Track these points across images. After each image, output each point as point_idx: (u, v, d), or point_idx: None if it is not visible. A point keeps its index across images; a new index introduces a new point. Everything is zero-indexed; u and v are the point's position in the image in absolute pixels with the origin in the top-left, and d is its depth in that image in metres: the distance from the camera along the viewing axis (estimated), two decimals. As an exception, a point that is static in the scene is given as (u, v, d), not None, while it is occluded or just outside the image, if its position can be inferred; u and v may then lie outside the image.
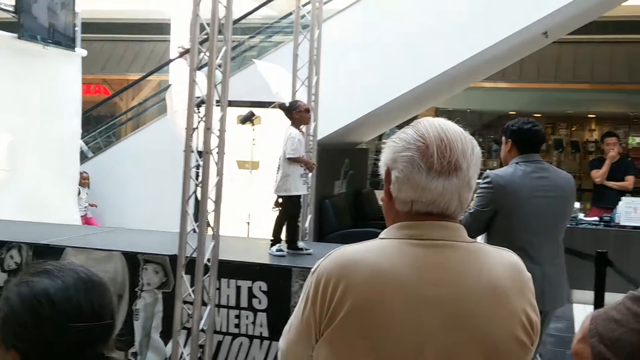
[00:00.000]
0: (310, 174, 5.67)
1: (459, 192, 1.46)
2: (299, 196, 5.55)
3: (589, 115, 16.25)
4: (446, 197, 1.45)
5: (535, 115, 15.24)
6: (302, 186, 5.46)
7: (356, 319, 1.40)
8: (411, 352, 1.39)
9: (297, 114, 5.50)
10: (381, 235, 1.53)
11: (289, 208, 5.48)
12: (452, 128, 1.51)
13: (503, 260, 1.50)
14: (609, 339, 1.43)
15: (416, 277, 1.41)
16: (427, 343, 1.39)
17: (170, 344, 4.94)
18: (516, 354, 1.43)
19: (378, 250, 1.46)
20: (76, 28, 8.58)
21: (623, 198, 7.76)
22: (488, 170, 3.79)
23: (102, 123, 12.73)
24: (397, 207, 1.50)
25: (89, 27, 10.46)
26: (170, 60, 11.05)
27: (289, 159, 5.34)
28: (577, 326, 6.67)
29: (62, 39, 8.33)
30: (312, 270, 1.50)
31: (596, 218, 7.77)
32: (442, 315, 1.40)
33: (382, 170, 1.56)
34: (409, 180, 1.46)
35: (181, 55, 10.64)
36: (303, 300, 1.51)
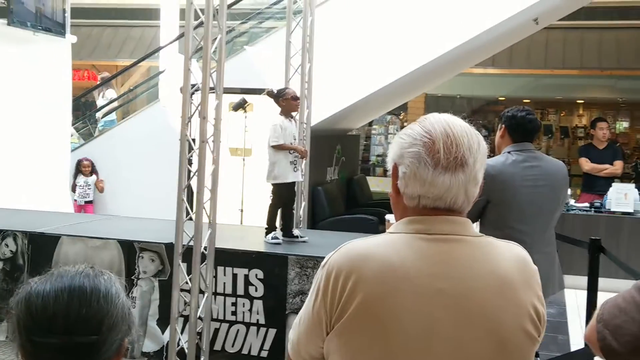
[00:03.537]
0: (303, 161, 5.70)
1: (465, 187, 1.48)
2: (290, 184, 5.55)
3: (578, 101, 16.30)
4: (452, 192, 1.47)
5: (524, 101, 15.28)
6: (291, 173, 5.46)
7: (366, 312, 1.42)
8: (421, 346, 1.41)
9: (284, 101, 5.51)
10: (390, 230, 1.55)
11: (278, 196, 5.51)
12: (458, 123, 1.53)
13: (510, 254, 1.52)
14: (612, 325, 1.49)
15: (425, 271, 1.43)
16: (436, 336, 1.41)
17: (167, 332, 4.97)
18: (524, 346, 1.46)
19: (387, 244, 1.49)
20: (66, 14, 8.52)
21: (613, 184, 7.83)
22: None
23: (92, 109, 12.68)
24: (405, 202, 1.53)
25: (78, 12, 10.37)
26: (160, 48, 10.99)
27: (273, 146, 5.39)
28: (570, 311, 6.75)
29: (52, 25, 8.27)
30: (323, 263, 1.52)
31: (586, 204, 7.83)
32: (451, 309, 1.42)
33: (389, 166, 1.58)
34: (416, 176, 1.48)
35: (101, 84, 10.96)
36: (314, 294, 1.53)
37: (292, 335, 1.64)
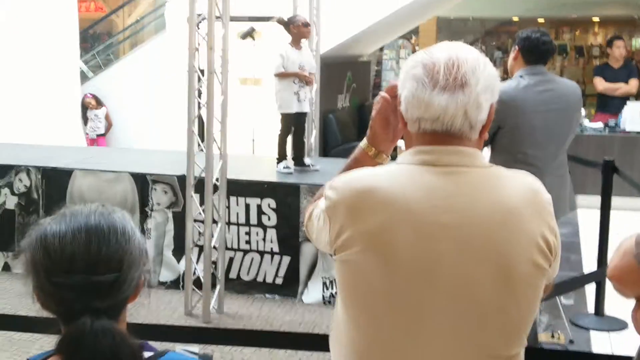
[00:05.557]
0: (309, 89, 5.65)
1: (464, 108, 1.42)
2: (298, 114, 5.54)
3: (594, 19, 15.93)
4: (450, 112, 1.41)
5: (539, 20, 14.96)
6: (295, 103, 5.44)
7: (368, 245, 1.41)
8: (423, 278, 1.40)
9: (295, 28, 5.46)
10: (397, 160, 1.52)
11: (285, 125, 5.52)
12: (464, 47, 1.48)
13: (519, 184, 1.48)
14: None
15: (427, 204, 1.41)
16: (439, 269, 1.40)
17: (182, 261, 5.05)
18: (532, 276, 1.44)
19: (391, 176, 1.46)
20: (68, -56, 8.37)
21: (628, 102, 7.71)
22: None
23: (99, 42, 12.57)
24: (408, 128, 1.50)
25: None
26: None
27: (275, 75, 5.38)
28: (582, 231, 6.72)
29: (55, -44, 8.13)
30: (329, 185, 1.50)
31: (601, 124, 7.74)
32: (454, 241, 1.40)
33: (399, 92, 1.54)
34: (414, 98, 1.44)
35: None
36: (320, 212, 1.51)
37: (308, 215, 1.61)
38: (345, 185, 1.47)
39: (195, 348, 1.50)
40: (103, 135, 9.58)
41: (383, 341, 1.44)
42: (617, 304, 1.54)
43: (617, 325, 4.39)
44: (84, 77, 9.76)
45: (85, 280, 1.21)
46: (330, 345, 1.59)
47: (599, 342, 4.29)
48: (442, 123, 1.43)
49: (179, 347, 1.39)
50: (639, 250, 1.40)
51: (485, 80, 1.44)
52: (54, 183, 5.54)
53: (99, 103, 9.54)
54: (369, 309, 1.45)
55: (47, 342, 1.25)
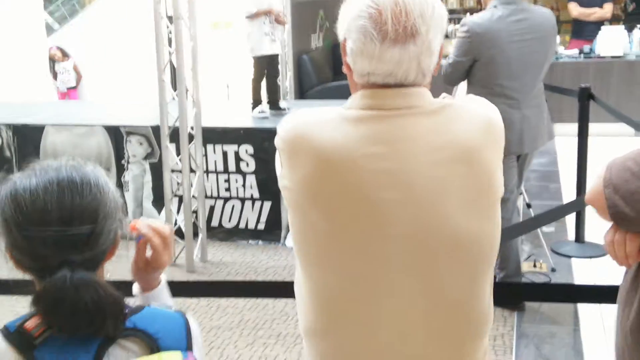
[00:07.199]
0: (281, 30, 5.57)
1: (418, 59, 1.35)
2: (269, 56, 5.46)
3: (566, -57, 15.73)
4: (403, 66, 1.34)
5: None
6: (267, 45, 5.36)
7: (308, 190, 1.37)
8: (370, 227, 1.36)
9: None
10: (346, 104, 1.45)
11: (258, 68, 5.44)
12: None
13: (472, 117, 1.42)
14: (625, 191, 1.38)
15: (369, 151, 1.35)
16: (389, 216, 1.35)
17: (163, 212, 5.02)
18: (491, 210, 1.42)
19: (334, 122, 1.39)
20: None
21: (603, 27, 7.67)
22: (465, 18, 3.72)
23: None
24: (355, 79, 1.42)
25: None
26: None
27: (247, 17, 5.30)
28: (560, 160, 6.76)
29: None
30: (280, 123, 1.45)
31: (576, 51, 7.71)
32: (400, 188, 1.35)
33: (340, 39, 1.45)
34: (363, 52, 1.36)
35: None
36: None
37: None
38: (291, 128, 1.41)
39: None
40: (74, 87, 9.39)
41: (341, 292, 1.42)
42: (597, 231, 1.54)
43: (598, 251, 4.45)
44: (49, 29, 9.51)
45: (60, 233, 1.18)
46: (295, 294, 1.56)
47: (581, 268, 4.35)
48: (395, 77, 1.37)
49: (154, 303, 1.37)
50: (607, 174, 1.41)
51: (436, 25, 1.37)
52: (27, 140, 5.45)
53: (65, 55, 9.32)
54: (320, 261, 1.41)
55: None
